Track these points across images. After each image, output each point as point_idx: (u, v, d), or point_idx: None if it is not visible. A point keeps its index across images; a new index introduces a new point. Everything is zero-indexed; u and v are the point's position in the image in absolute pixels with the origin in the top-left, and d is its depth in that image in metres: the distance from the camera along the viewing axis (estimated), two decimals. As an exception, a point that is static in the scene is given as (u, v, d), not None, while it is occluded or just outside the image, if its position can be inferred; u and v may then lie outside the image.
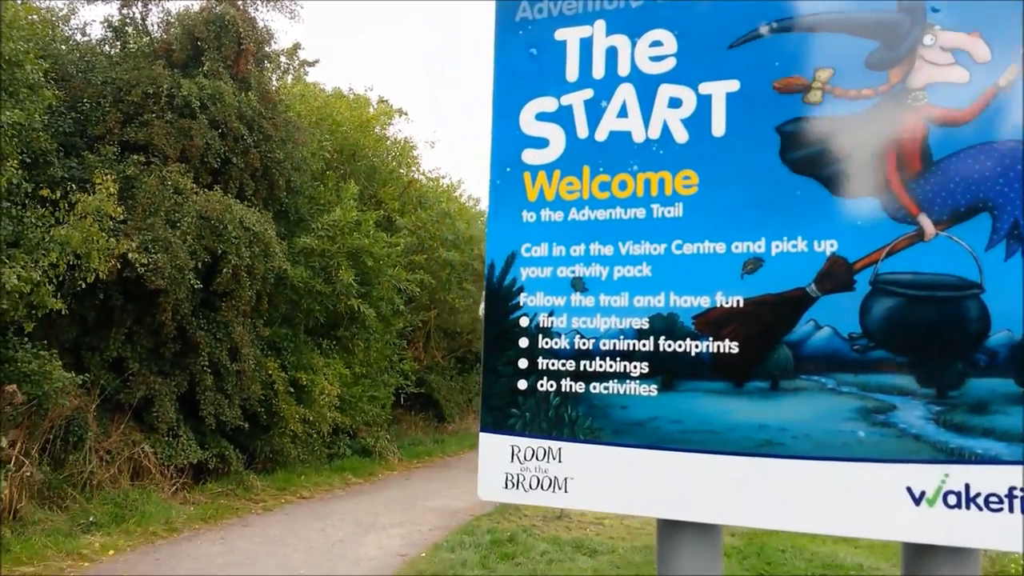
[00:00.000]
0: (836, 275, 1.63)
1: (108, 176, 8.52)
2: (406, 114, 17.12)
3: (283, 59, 14.32)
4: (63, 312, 8.24)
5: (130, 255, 8.72)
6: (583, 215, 1.87)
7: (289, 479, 11.97)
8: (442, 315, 17.29)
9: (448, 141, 47.71)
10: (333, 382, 12.71)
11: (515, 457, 1.85)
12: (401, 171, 16.81)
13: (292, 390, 12.00)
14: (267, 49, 12.62)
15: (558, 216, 1.89)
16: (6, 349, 8.07)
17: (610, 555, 8.56)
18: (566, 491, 1.79)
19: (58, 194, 8.08)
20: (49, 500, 8.67)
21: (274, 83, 12.93)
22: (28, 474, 8.27)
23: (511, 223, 1.94)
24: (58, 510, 8.61)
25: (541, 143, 1.94)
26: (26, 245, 7.82)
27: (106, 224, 8.35)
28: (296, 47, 14.58)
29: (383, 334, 14.54)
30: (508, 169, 1.97)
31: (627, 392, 1.76)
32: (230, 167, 11.17)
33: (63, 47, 10.95)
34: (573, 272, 1.86)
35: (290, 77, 15.07)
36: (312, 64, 15.18)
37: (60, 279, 8.04)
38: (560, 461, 1.80)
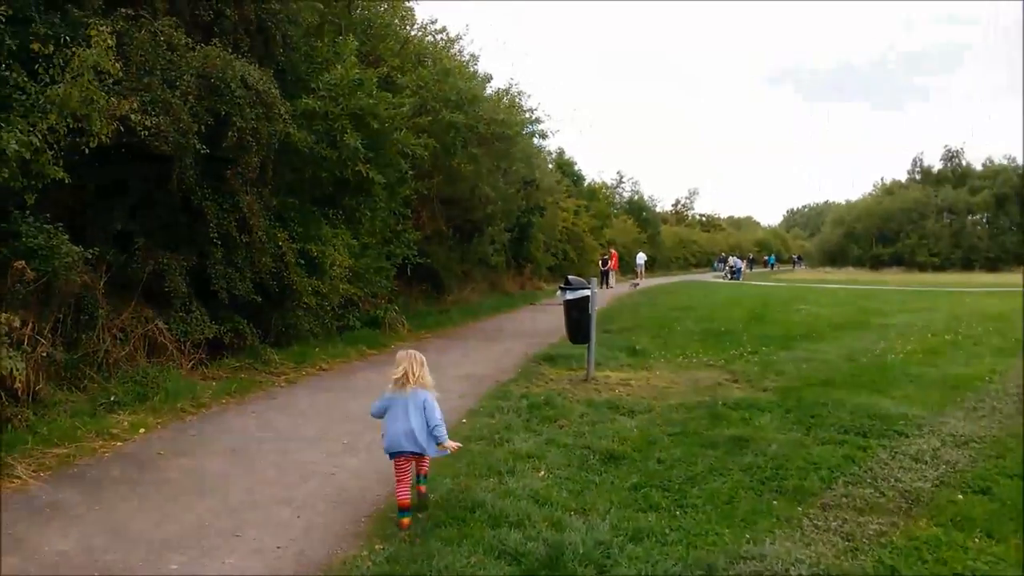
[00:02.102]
0: None
1: (104, 28, 7.64)
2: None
3: None
4: (65, 182, 7.59)
5: (132, 117, 7.98)
6: None
7: (305, 352, 11.73)
8: (442, 183, 16.66)
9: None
10: (343, 253, 12.26)
11: None
12: (396, 24, 15.63)
13: (303, 262, 11.55)
14: None
15: None
16: (9, 224, 7.47)
17: (648, 414, 8.50)
18: None
19: (51, 48, 7.24)
20: (67, 381, 8.29)
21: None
22: (45, 354, 7.86)
23: None
24: (77, 391, 8.25)
25: None
26: (20, 108, 7.07)
27: (105, 82, 7.57)
28: None
29: (388, 203, 13.97)
30: None
31: None
32: (223, 20, 10.22)
33: None
34: None
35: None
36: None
37: (60, 145, 7.33)
38: None
